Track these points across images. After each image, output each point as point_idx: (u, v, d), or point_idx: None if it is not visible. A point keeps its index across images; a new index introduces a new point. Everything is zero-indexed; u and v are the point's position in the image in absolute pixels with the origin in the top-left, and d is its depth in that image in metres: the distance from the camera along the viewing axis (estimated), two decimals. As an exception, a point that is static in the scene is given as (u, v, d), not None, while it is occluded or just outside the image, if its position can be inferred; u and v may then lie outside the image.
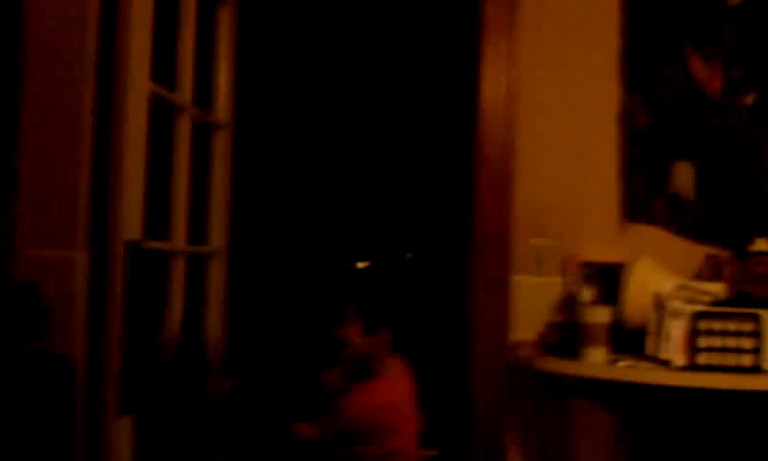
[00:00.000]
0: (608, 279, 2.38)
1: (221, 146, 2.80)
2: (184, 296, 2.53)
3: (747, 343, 2.13)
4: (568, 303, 2.45)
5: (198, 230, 2.68)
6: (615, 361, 2.24)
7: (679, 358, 2.15)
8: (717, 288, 2.30)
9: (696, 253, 2.50)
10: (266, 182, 4.08)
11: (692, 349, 2.14)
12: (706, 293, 2.27)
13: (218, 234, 2.79)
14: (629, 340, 2.32)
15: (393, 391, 2.41)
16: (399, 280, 2.36)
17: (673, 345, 2.17)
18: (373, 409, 2.36)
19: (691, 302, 2.21)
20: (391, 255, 4.58)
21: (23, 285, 1.98)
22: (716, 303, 2.23)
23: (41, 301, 1.97)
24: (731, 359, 2.15)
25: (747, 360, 2.12)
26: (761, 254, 2.37)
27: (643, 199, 2.56)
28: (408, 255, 4.69)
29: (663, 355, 2.19)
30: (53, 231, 2.11)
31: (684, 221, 2.56)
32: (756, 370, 2.13)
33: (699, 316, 2.15)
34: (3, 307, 1.83)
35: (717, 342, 2.15)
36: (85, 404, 2.02)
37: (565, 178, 2.57)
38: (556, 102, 2.58)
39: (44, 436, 1.68)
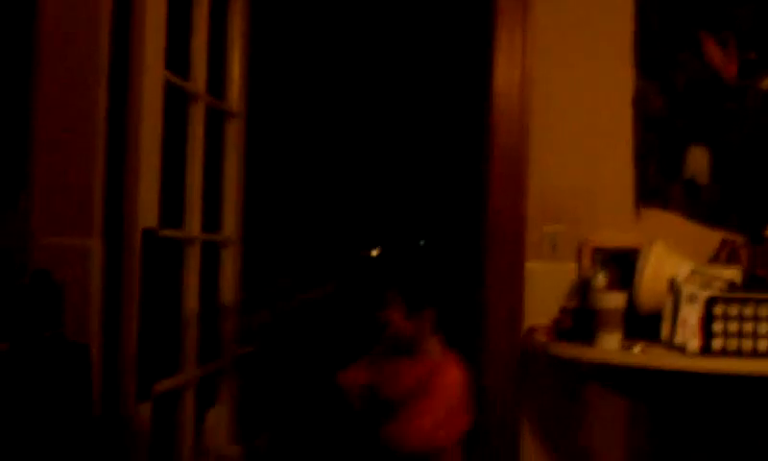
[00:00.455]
0: (622, 265, 2.38)
1: (234, 134, 2.80)
2: (200, 284, 2.54)
3: (764, 328, 2.12)
4: (582, 289, 2.44)
5: (212, 218, 2.68)
6: (630, 346, 2.24)
7: (694, 343, 2.15)
8: (733, 273, 2.29)
9: (711, 238, 2.49)
10: (279, 171, 4.09)
11: (707, 334, 2.14)
12: (721, 278, 2.26)
13: (231, 223, 2.80)
14: (643, 325, 2.31)
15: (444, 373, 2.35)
16: (442, 263, 2.32)
17: (688, 330, 2.17)
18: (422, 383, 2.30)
19: (707, 286, 2.20)
20: (403, 243, 4.59)
21: (37, 273, 1.99)
22: (732, 287, 2.22)
23: (56, 288, 1.98)
24: (747, 344, 2.14)
25: (764, 345, 2.11)
26: (777, 238, 2.36)
27: (658, 184, 2.55)
28: (421, 243, 4.70)
29: (678, 340, 2.19)
30: (68, 220, 2.12)
31: (699, 206, 2.55)
32: (772, 354, 2.12)
33: (714, 301, 2.14)
34: (18, 295, 1.84)
35: (733, 327, 2.14)
36: (103, 392, 2.04)
37: (580, 163, 2.56)
38: (570, 88, 2.57)
39: (61, 423, 1.69)
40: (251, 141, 2.89)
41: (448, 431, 2.26)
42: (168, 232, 2.28)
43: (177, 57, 2.32)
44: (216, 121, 2.70)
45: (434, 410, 2.23)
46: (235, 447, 2.72)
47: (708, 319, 2.14)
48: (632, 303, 2.31)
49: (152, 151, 2.14)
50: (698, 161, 2.57)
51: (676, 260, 2.32)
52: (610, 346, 2.24)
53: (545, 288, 2.52)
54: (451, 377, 2.28)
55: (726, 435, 2.45)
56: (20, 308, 1.82)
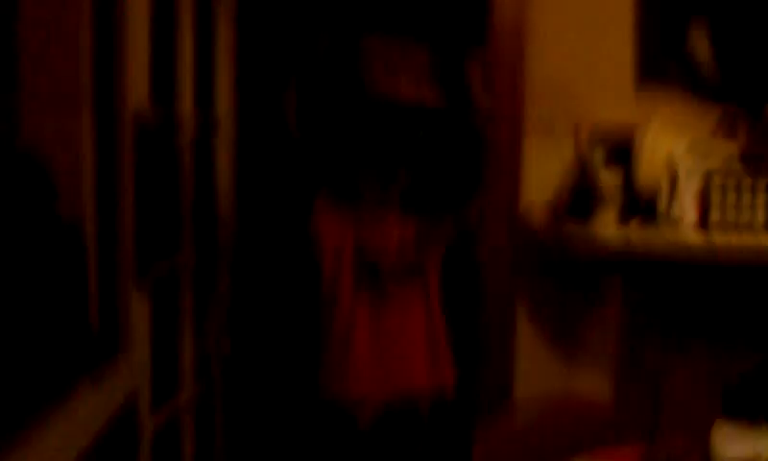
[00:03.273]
0: (621, 143, 2.36)
1: (224, 11, 2.72)
2: (194, 167, 2.51)
3: (761, 200, 2.12)
4: (580, 168, 2.43)
5: (204, 98, 2.63)
6: (626, 223, 2.24)
7: (691, 216, 2.15)
8: (731, 147, 2.28)
9: (711, 114, 2.46)
10: (272, 47, 3.97)
11: (705, 207, 2.14)
12: (720, 152, 2.24)
13: (224, 102, 2.75)
14: (641, 203, 2.31)
15: None
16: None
17: (686, 204, 2.17)
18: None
19: (705, 161, 2.19)
20: (401, 133, 4.51)
21: (27, 152, 1.95)
22: (730, 161, 2.21)
23: (46, 168, 1.94)
24: (744, 217, 2.14)
25: (761, 217, 2.12)
26: (777, 112, 2.33)
27: (658, 61, 2.51)
28: (420, 134, 4.62)
29: (676, 215, 2.19)
30: (57, 100, 2.07)
31: (699, 82, 2.51)
32: (769, 227, 2.13)
33: (712, 174, 2.14)
34: (7, 175, 1.81)
35: (731, 200, 2.14)
36: (99, 275, 2.03)
37: (579, 40, 2.51)
38: (570, -39, 2.50)
39: (56, 302, 1.69)
40: (242, 15, 2.80)
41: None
42: (160, 111, 2.24)
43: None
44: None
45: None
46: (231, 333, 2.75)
47: (705, 193, 2.14)
48: (629, 181, 2.30)
49: (141, 23, 2.07)
50: (699, 37, 2.51)
51: (674, 136, 2.31)
52: (607, 222, 2.25)
53: (543, 167, 2.50)
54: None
55: (723, 315, 2.47)
56: (11, 188, 1.79)
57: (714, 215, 2.12)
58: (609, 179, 2.24)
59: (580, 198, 2.35)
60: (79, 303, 1.80)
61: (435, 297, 2.13)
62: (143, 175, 2.09)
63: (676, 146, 2.25)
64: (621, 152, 2.33)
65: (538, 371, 2.55)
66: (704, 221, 2.14)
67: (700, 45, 2.51)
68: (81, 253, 1.89)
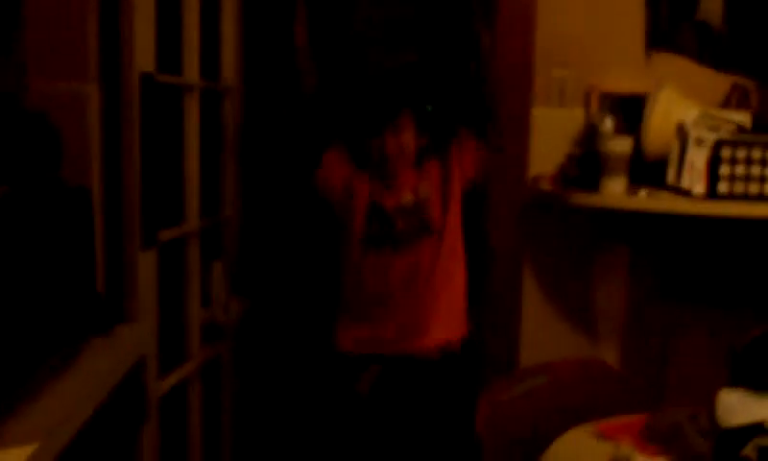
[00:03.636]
0: (630, 110, 2.34)
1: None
2: (200, 134, 2.50)
3: (771, 170, 2.10)
4: (589, 136, 2.41)
5: (210, 66, 2.62)
6: (635, 192, 2.23)
7: (700, 187, 2.13)
8: (743, 117, 2.25)
9: (722, 82, 2.44)
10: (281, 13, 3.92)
11: (714, 177, 2.12)
12: (730, 121, 2.22)
13: (230, 70, 2.73)
14: (649, 171, 2.30)
15: None
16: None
17: (695, 173, 2.15)
18: None
19: (715, 130, 2.17)
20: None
21: (35, 116, 1.94)
22: (741, 131, 2.18)
23: (54, 132, 1.94)
24: (753, 188, 2.13)
25: (771, 186, 2.10)
26: (790, 81, 2.31)
27: (669, 27, 2.48)
28: (428, 109, 4.55)
29: (685, 184, 2.18)
30: (63, 64, 2.06)
31: (710, 49, 2.48)
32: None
33: (722, 144, 2.11)
34: (16, 138, 1.80)
35: (740, 170, 2.12)
36: (106, 238, 2.04)
37: (590, 7, 2.48)
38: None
39: (63, 264, 1.69)
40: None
41: None
42: (166, 78, 2.23)
43: None
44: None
45: None
46: (242, 298, 2.76)
47: (714, 162, 2.12)
48: (638, 149, 2.29)
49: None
50: (710, 3, 2.48)
51: (685, 105, 2.28)
52: (615, 190, 2.23)
53: (552, 135, 2.49)
54: None
55: (729, 281, 2.46)
56: (18, 151, 1.78)
57: (723, 185, 2.10)
58: (618, 147, 2.22)
59: (589, 166, 2.34)
60: (85, 268, 1.80)
61: (453, 253, 2.12)
62: (149, 138, 2.08)
63: (687, 114, 2.22)
64: (631, 120, 2.31)
65: (544, 337, 2.55)
66: (713, 191, 2.12)
67: (712, 13, 2.48)
68: (87, 217, 1.89)
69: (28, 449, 1.19)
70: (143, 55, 2.06)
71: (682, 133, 2.20)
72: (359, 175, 2.16)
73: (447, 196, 2.12)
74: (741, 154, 2.12)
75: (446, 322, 2.11)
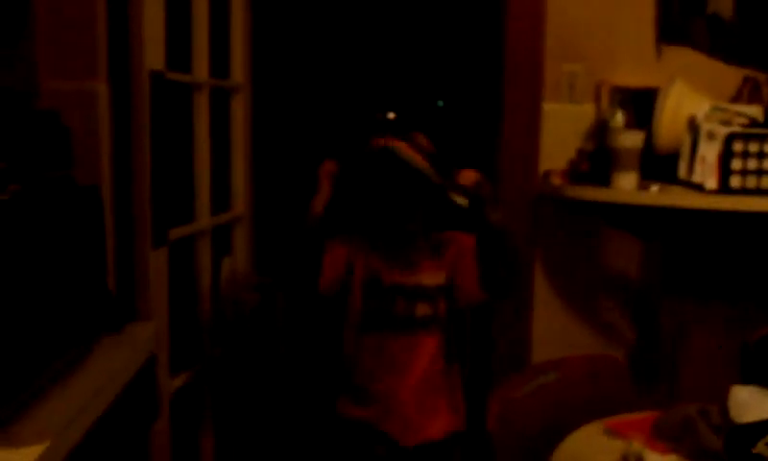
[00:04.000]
0: (641, 105, 2.33)
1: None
2: (210, 132, 2.51)
3: (784, 164, 2.08)
4: (600, 131, 2.40)
5: (220, 65, 2.62)
6: (646, 187, 2.21)
7: (712, 182, 2.12)
8: (755, 110, 2.24)
9: (734, 76, 2.42)
10: (291, 20, 3.95)
11: (726, 171, 2.10)
12: (742, 115, 2.20)
13: (239, 69, 2.74)
14: (660, 166, 2.28)
15: None
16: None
17: (706, 168, 2.13)
18: None
19: (727, 124, 2.15)
20: (421, 104, 4.45)
21: (45, 114, 1.94)
22: (753, 124, 2.17)
23: (64, 130, 1.94)
24: (766, 182, 2.11)
25: (783, 181, 2.08)
26: (802, 74, 2.29)
27: (680, 20, 2.46)
28: (440, 104, 4.55)
29: (696, 179, 2.16)
30: (72, 63, 2.07)
31: (722, 43, 2.46)
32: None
33: (734, 137, 2.10)
34: (26, 136, 1.81)
35: (753, 164, 2.11)
36: (117, 236, 2.04)
37: (600, 0, 2.46)
38: None
39: (75, 262, 1.69)
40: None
41: None
42: (176, 76, 2.24)
43: None
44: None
45: None
46: (253, 293, 2.76)
47: (726, 156, 2.10)
48: (649, 144, 2.27)
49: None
50: (722, -3, 2.46)
51: (696, 99, 2.26)
52: (626, 185, 2.22)
53: (562, 130, 2.47)
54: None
55: (742, 276, 2.44)
56: (30, 150, 1.79)
57: (735, 180, 2.09)
58: (629, 141, 2.21)
59: (600, 161, 2.32)
60: (96, 266, 1.81)
61: (447, 347, 2.02)
62: (159, 136, 2.09)
63: (698, 108, 2.20)
64: (642, 114, 2.30)
65: (555, 333, 2.55)
66: (725, 185, 2.10)
67: (723, 5, 2.46)
68: (99, 215, 1.89)
69: (40, 447, 1.20)
70: (153, 53, 2.06)
71: (693, 126, 2.19)
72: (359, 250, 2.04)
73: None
74: (753, 147, 2.10)
75: (447, 411, 2.02)
